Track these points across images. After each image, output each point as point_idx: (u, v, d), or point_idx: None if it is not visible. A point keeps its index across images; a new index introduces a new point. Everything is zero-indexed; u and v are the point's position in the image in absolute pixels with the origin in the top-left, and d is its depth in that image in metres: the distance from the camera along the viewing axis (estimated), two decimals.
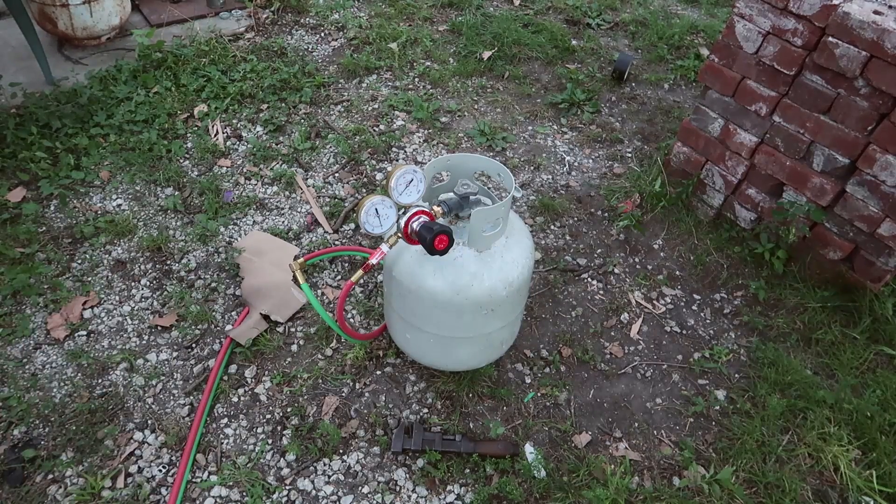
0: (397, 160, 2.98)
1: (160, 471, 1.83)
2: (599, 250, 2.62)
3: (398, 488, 1.84)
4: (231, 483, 1.80)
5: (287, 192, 2.76)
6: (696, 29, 4.06)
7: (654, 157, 3.01)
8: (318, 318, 2.25)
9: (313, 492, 1.81)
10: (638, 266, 2.56)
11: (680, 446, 1.97)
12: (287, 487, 1.81)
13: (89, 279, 2.32)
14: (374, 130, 3.12)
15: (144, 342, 2.15)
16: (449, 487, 1.84)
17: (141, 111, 3.01)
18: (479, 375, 2.08)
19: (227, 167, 2.85)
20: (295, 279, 2.29)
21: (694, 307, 2.42)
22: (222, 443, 1.90)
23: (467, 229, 1.70)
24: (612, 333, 2.30)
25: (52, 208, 2.57)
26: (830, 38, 2.08)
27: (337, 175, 2.87)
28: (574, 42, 3.88)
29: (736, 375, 2.19)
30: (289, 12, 3.95)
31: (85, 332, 2.15)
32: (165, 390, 2.02)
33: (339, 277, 2.42)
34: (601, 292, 2.45)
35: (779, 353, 2.22)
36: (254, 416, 1.97)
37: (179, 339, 2.16)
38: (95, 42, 3.46)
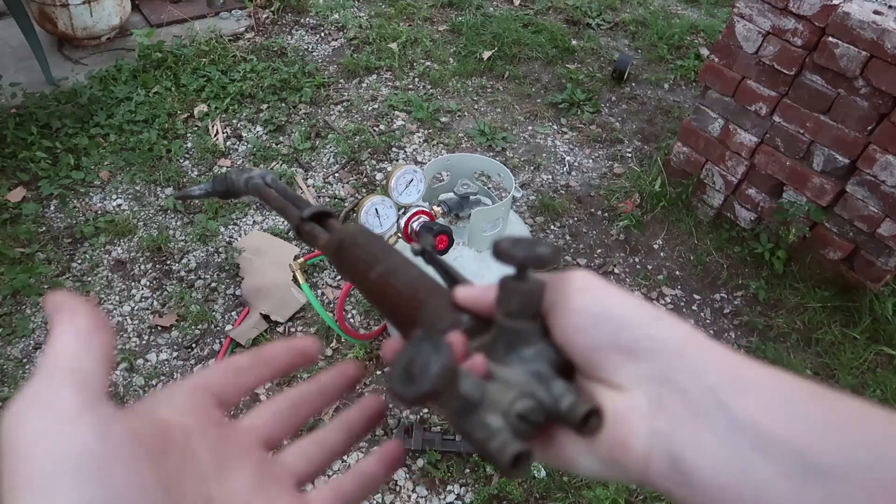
0: (397, 160, 2.98)
1: None
2: (599, 250, 2.62)
3: (398, 488, 1.84)
4: None
5: None
6: (696, 29, 4.06)
7: (654, 157, 3.01)
8: (318, 318, 2.25)
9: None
10: (638, 266, 2.56)
11: None
12: None
13: (89, 279, 2.32)
14: (374, 130, 3.12)
15: (144, 342, 2.15)
16: (449, 487, 1.84)
17: (141, 111, 3.00)
18: None
19: (228, 167, 2.85)
20: (295, 279, 2.29)
21: (694, 307, 2.42)
22: None
23: (467, 229, 1.70)
24: None
25: (52, 208, 2.57)
26: (830, 38, 2.08)
27: (337, 175, 2.87)
28: (574, 42, 3.88)
29: None
30: (289, 12, 3.95)
31: None
32: None
33: (338, 277, 2.42)
34: None
35: (779, 353, 2.22)
36: None
37: (179, 339, 2.16)
38: (95, 42, 3.46)
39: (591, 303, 0.34)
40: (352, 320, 2.28)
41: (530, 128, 3.24)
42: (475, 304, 0.38)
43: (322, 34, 3.80)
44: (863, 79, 2.06)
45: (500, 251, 0.35)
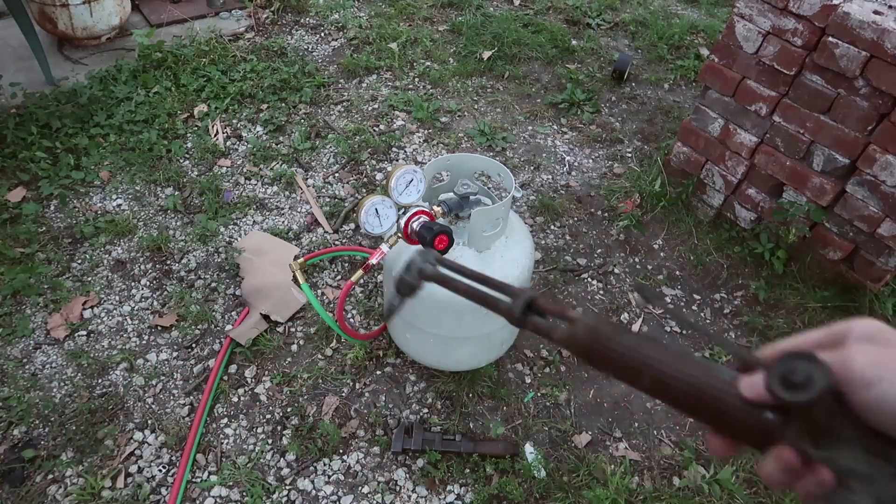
0: (397, 160, 2.98)
1: (160, 471, 1.83)
2: (599, 250, 2.62)
3: (398, 488, 1.84)
4: (231, 483, 1.80)
5: (287, 192, 2.76)
6: (696, 29, 4.06)
7: (654, 157, 3.01)
8: (318, 318, 2.25)
9: (313, 492, 1.81)
10: (638, 266, 2.56)
11: (680, 446, 1.97)
12: (287, 487, 1.81)
13: (89, 279, 2.32)
14: (374, 130, 3.12)
15: (144, 342, 2.15)
16: (449, 487, 1.84)
17: (141, 111, 3.01)
18: (479, 375, 2.08)
19: (227, 167, 2.85)
20: (295, 279, 2.29)
21: (694, 307, 2.42)
22: (222, 443, 1.90)
23: (467, 229, 1.70)
24: None
25: (52, 208, 2.57)
26: (830, 38, 2.08)
27: (337, 175, 2.87)
28: (574, 42, 3.88)
29: None
30: (289, 12, 3.95)
31: (85, 332, 2.15)
32: (165, 390, 2.02)
33: (339, 277, 2.42)
34: (601, 292, 2.45)
35: None
36: (254, 416, 1.97)
37: (179, 339, 2.16)
38: (95, 42, 3.46)
39: (887, 386, 0.35)
40: (352, 320, 2.28)
41: (530, 128, 3.24)
42: (766, 400, 0.41)
43: (322, 34, 3.80)
44: (863, 79, 2.06)
45: (776, 394, 0.39)
